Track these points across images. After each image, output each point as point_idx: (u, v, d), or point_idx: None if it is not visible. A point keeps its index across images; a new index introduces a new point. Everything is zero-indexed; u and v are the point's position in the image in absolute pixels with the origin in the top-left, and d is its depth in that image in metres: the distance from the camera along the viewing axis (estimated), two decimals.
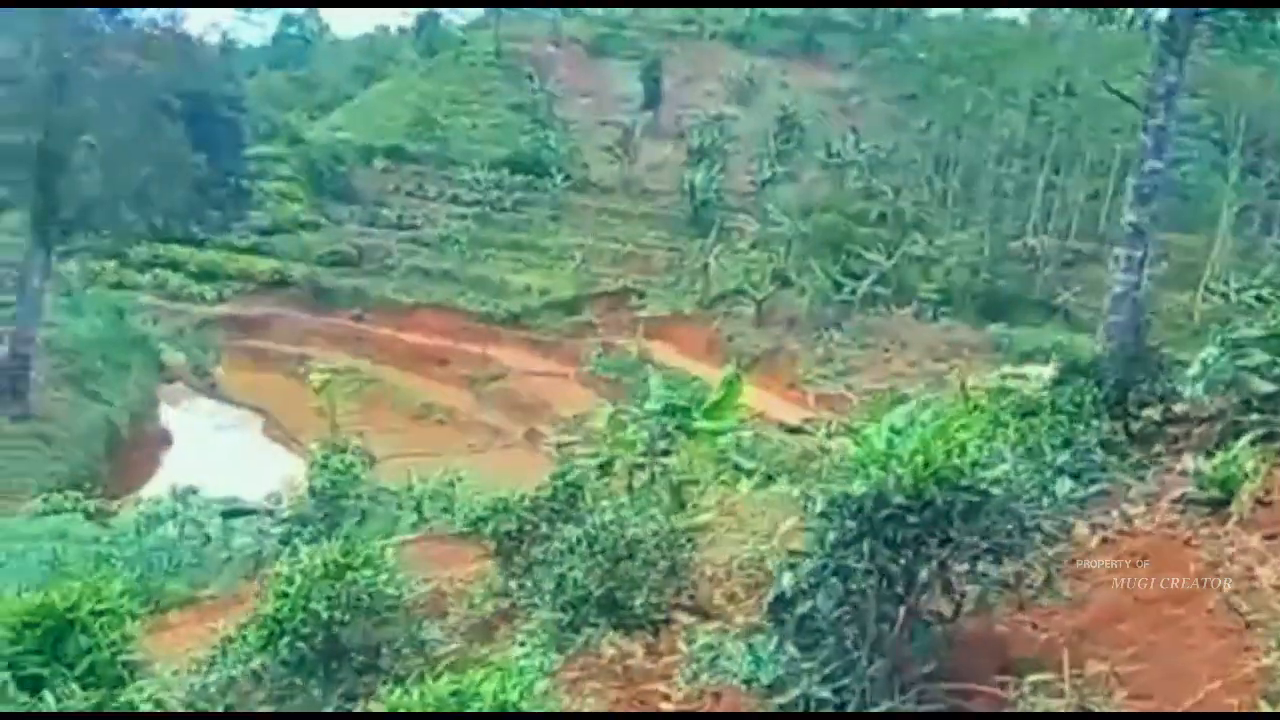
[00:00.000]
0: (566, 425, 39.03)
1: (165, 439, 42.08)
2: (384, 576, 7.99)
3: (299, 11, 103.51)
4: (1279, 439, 8.34)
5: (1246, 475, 7.52)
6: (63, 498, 23.88)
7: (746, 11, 78.59)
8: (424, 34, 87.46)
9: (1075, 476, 7.93)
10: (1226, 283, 45.61)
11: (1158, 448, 9.43)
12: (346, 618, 7.65)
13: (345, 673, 7.80)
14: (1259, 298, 38.75)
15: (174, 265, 58.23)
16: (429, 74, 76.94)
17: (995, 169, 54.33)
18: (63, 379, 37.92)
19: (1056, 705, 5.60)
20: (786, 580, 5.87)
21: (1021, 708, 5.66)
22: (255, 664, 7.72)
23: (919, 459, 5.33)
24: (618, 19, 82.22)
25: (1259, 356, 9.21)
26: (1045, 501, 6.07)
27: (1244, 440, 8.14)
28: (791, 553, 6.19)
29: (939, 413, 6.09)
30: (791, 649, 5.76)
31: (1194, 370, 9.87)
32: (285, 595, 7.74)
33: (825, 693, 5.59)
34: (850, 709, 5.55)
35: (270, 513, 19.14)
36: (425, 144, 69.19)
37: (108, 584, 7.85)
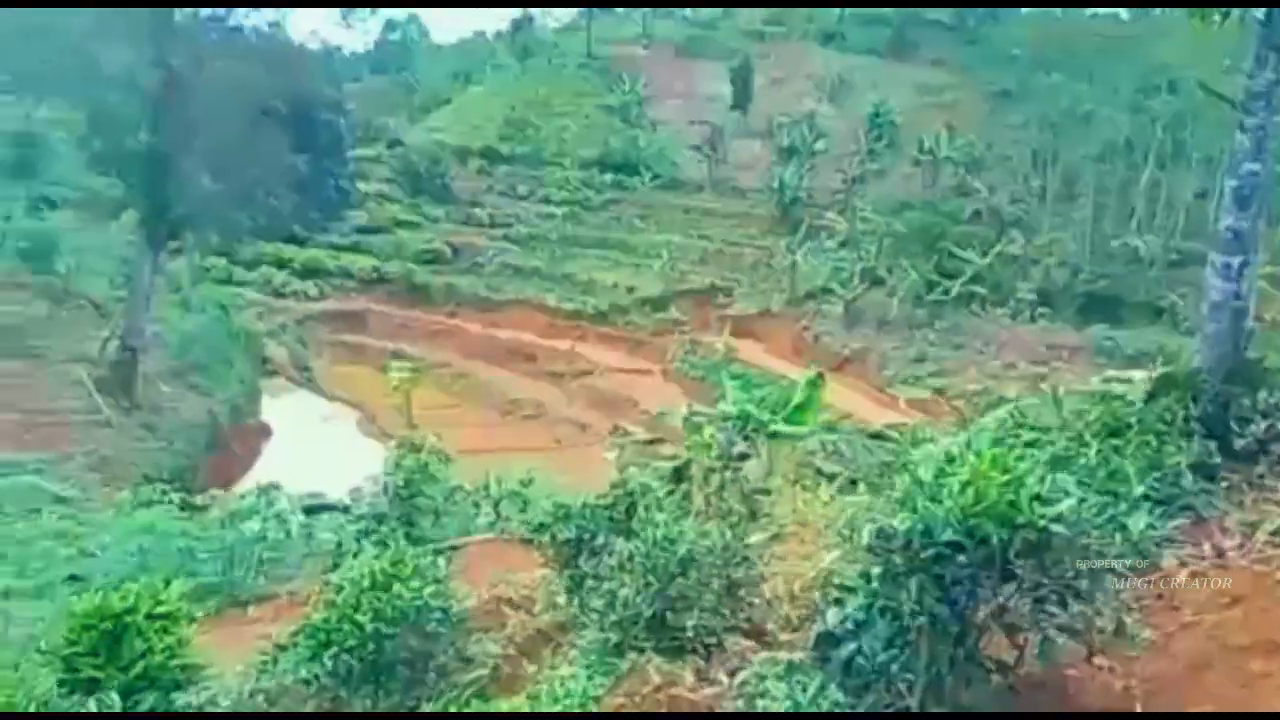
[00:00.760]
0: (646, 423, 38.88)
1: (265, 432, 43.42)
2: (432, 588, 7.91)
3: (401, 18, 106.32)
4: None
5: None
6: (151, 489, 24.73)
7: (837, 11, 77.18)
8: (518, 38, 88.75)
9: (1162, 503, 7.35)
10: None
11: (1260, 469, 8.69)
12: (392, 630, 7.60)
13: (392, 685, 7.75)
14: None
15: (279, 263, 60.08)
16: (522, 77, 78.02)
17: (1096, 166, 51.96)
18: (169, 372, 39.42)
19: None
20: (832, 617, 5.53)
21: None
22: (304, 673, 7.72)
23: (970, 491, 4.93)
24: (708, 20, 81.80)
25: None
26: (1119, 538, 5.56)
27: None
28: (838, 587, 5.83)
29: (999, 438, 5.64)
30: (836, 692, 5.41)
31: None
32: (333, 604, 7.74)
33: None
34: None
35: (347, 509, 19.41)
36: (518, 145, 70.29)
37: (165, 587, 7.98)
